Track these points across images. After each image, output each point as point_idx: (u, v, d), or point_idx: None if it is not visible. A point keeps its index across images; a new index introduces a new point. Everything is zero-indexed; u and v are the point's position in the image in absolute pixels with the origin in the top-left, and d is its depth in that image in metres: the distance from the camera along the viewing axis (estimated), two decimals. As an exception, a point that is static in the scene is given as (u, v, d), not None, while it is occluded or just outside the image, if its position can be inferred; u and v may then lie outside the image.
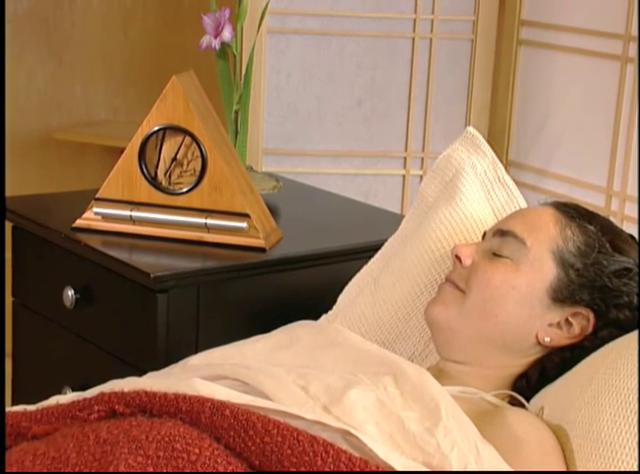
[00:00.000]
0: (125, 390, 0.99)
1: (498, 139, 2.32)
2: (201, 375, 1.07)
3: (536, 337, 1.15)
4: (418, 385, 1.05)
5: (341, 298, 1.41)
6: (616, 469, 1.00)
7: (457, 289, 1.17)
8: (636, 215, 1.96)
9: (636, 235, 1.23)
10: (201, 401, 0.96)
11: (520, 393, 1.16)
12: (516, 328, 1.14)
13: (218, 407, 0.95)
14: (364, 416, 0.99)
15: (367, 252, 1.49)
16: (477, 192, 1.34)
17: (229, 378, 1.07)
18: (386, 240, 1.43)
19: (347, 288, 1.42)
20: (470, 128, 1.40)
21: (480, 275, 1.15)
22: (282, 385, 1.02)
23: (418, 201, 1.41)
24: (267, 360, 1.16)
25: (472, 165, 1.36)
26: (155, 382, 1.02)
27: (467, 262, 1.17)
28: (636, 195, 1.99)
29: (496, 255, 1.16)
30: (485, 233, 1.23)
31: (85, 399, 1.00)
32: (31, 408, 1.04)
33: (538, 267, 1.14)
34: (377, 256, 1.42)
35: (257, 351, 1.18)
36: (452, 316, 1.16)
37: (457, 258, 1.19)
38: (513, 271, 1.14)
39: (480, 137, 1.39)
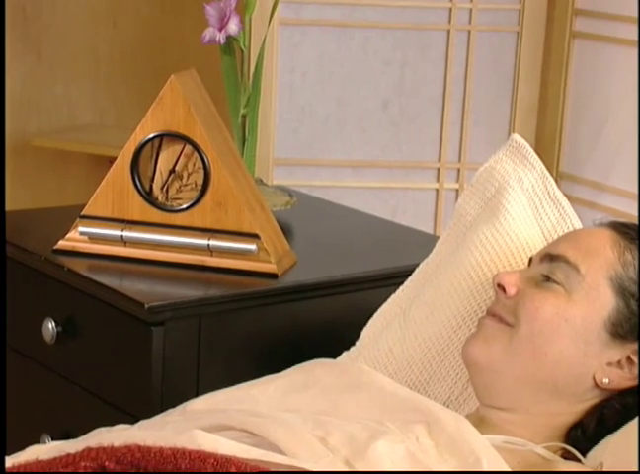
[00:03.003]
0: (115, 445, 1.00)
1: (547, 147, 2.33)
2: (203, 425, 1.08)
3: (593, 378, 1.15)
4: (455, 435, 1.05)
5: (365, 333, 1.41)
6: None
7: (502, 323, 1.18)
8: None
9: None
10: (203, 457, 0.97)
11: (574, 445, 1.17)
12: (569, 368, 1.15)
13: (223, 464, 0.95)
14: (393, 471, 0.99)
15: (395, 279, 1.50)
16: (524, 210, 1.35)
17: (235, 429, 1.07)
18: (417, 265, 1.44)
19: (372, 321, 1.42)
20: (516, 136, 1.41)
21: (528, 304, 1.16)
22: (298, 437, 1.03)
23: (455, 221, 1.42)
24: (280, 405, 1.16)
25: (518, 178, 1.37)
26: (149, 435, 1.03)
27: (512, 291, 1.18)
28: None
29: (544, 283, 1.17)
30: (531, 259, 1.24)
31: (69, 455, 1.00)
32: (6, 463, 1.04)
33: (595, 297, 1.14)
34: (407, 283, 1.42)
35: (269, 394, 1.19)
36: (496, 354, 1.16)
37: (500, 287, 1.20)
38: (565, 301, 1.15)
39: (527, 146, 1.39)
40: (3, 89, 2.53)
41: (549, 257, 1.19)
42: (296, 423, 1.06)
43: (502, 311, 1.19)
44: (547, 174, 1.38)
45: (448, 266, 1.35)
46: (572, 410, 1.17)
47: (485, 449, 1.03)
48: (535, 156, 1.39)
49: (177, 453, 0.97)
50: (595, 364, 1.15)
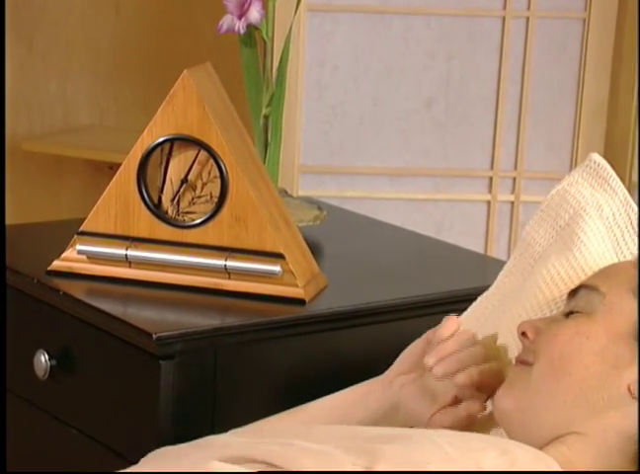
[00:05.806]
0: None
1: (617, 153, 2.32)
2: (222, 456, 1.09)
3: (629, 390, 1.18)
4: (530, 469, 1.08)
5: (409, 370, 1.41)
6: None
7: (524, 365, 1.24)
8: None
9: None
10: None
11: None
12: (598, 381, 1.19)
13: None
14: None
15: (441, 306, 1.50)
16: (602, 241, 1.36)
17: (257, 461, 1.08)
18: (466, 289, 1.44)
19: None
20: (595, 156, 1.42)
21: (543, 335, 1.22)
22: (331, 467, 1.05)
23: (521, 250, 1.42)
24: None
25: (597, 205, 1.38)
26: (160, 466, 1.03)
27: (532, 333, 1.24)
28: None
29: (566, 316, 1.23)
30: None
31: None
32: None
33: (618, 310, 1.20)
34: (462, 319, 1.41)
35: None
36: (519, 394, 1.21)
37: (523, 335, 1.25)
38: (585, 321, 1.21)
39: (608, 168, 1.40)
40: (3, 89, 2.54)
41: (572, 293, 1.26)
42: (336, 454, 1.08)
43: (524, 354, 1.24)
44: (631, 201, 1.39)
45: (513, 303, 1.36)
46: (620, 427, 1.19)
47: None
48: (618, 180, 1.40)
49: None
50: (629, 375, 1.18)
